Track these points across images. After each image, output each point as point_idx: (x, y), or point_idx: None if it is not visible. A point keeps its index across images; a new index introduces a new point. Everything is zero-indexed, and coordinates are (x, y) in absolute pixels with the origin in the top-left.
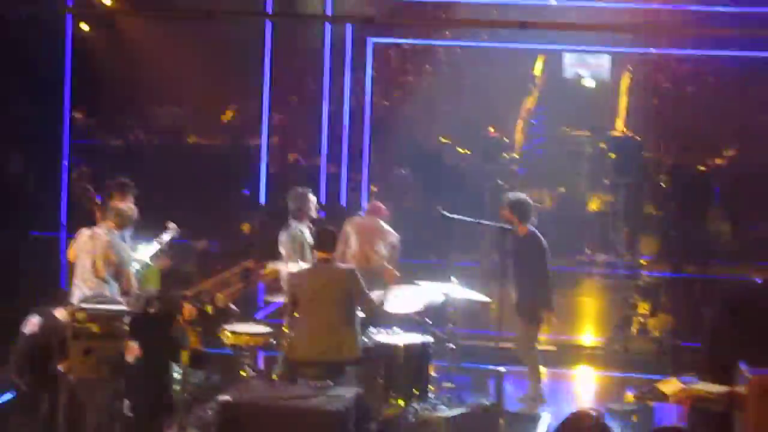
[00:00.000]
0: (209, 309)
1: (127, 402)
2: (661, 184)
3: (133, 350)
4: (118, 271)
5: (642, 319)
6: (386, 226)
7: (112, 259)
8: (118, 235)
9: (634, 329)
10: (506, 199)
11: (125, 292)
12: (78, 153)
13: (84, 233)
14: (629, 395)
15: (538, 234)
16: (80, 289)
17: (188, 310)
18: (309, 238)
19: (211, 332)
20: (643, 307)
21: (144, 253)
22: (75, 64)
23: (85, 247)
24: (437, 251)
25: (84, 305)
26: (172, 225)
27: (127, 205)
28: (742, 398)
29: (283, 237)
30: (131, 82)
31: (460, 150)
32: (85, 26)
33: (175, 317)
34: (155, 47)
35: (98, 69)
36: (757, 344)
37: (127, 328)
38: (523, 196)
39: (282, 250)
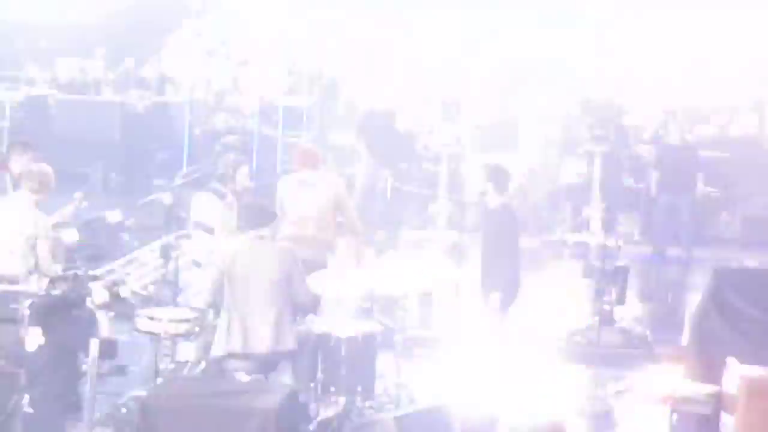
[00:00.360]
0: (123, 291)
1: (27, 396)
2: (642, 153)
3: (35, 338)
4: (34, 246)
5: (607, 307)
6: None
7: (29, 231)
8: (35, 202)
9: (597, 318)
10: (484, 166)
11: (39, 269)
12: None
13: None
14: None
15: (511, 207)
16: None
17: (99, 292)
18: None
19: (125, 317)
20: (609, 293)
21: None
22: None
23: None
24: (386, 226)
25: None
26: (78, 194)
27: (45, 167)
28: (731, 399)
29: (208, 204)
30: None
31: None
32: None
33: (83, 300)
34: None
35: None
36: (748, 339)
37: (27, 312)
38: (501, 164)
39: (206, 219)
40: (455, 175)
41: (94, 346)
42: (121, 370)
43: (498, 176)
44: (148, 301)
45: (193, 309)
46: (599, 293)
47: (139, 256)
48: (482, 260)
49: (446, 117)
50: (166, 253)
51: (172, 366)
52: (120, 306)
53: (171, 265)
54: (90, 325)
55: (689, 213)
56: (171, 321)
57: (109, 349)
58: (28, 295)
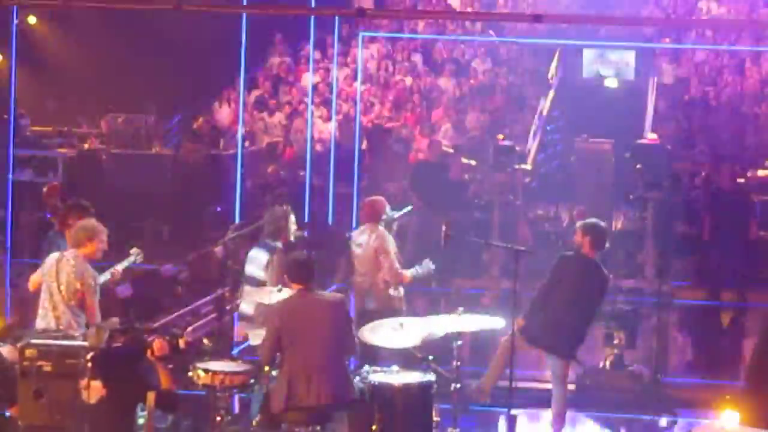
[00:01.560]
0: (182, 343)
1: None
2: (694, 198)
3: (95, 391)
4: (83, 300)
5: (617, 351)
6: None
7: (77, 286)
8: (82, 257)
9: (607, 363)
10: (581, 223)
11: (90, 324)
12: (23, 164)
13: (53, 256)
14: None
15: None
16: (45, 318)
17: (159, 344)
18: None
19: (181, 370)
20: (619, 337)
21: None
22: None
23: (51, 272)
24: (441, 277)
25: (34, 340)
26: (134, 250)
27: (90, 222)
28: None
29: (258, 259)
30: (85, 84)
31: (465, 160)
32: (32, 19)
33: (143, 352)
34: (114, 46)
35: (47, 69)
36: None
37: (88, 365)
38: (598, 222)
39: (265, 274)
40: (507, 223)
41: (151, 398)
42: (177, 423)
43: (596, 233)
44: (203, 353)
45: (247, 362)
46: (609, 337)
47: (193, 309)
48: (559, 311)
49: (497, 165)
50: (220, 305)
51: (227, 419)
52: (179, 358)
53: (225, 318)
54: (149, 377)
55: (742, 257)
56: (226, 374)
57: (168, 401)
58: (89, 349)
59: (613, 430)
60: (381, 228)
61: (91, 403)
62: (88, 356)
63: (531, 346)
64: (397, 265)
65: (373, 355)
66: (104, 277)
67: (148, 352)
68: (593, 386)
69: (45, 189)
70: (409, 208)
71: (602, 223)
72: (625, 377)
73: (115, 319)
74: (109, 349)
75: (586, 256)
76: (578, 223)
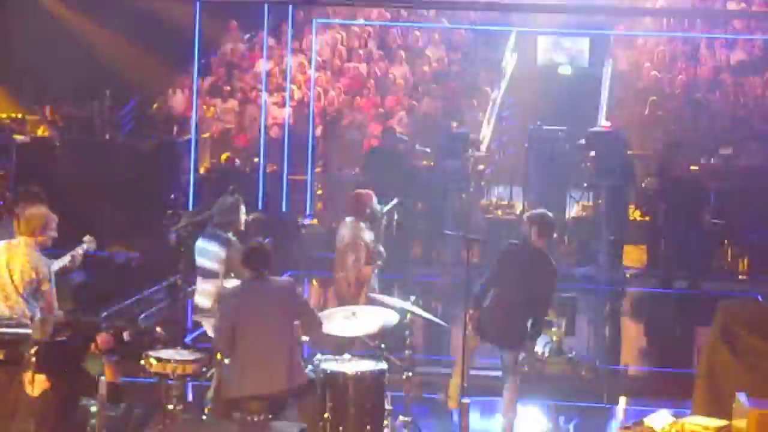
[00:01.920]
0: (126, 336)
1: None
2: (648, 186)
3: (40, 384)
4: (38, 289)
5: (555, 338)
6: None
7: (33, 275)
8: (35, 246)
9: (546, 350)
10: (528, 213)
11: (44, 313)
12: None
13: (1, 244)
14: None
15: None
16: None
17: (103, 337)
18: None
19: (131, 358)
20: (558, 324)
21: (54, 268)
22: None
23: (1, 260)
24: (394, 264)
25: None
26: (87, 237)
27: (41, 210)
28: None
29: (208, 250)
30: (39, 70)
31: (419, 147)
32: None
33: (87, 346)
34: (70, 29)
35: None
36: (758, 373)
37: (32, 359)
38: (546, 212)
39: (217, 264)
40: (461, 211)
41: (102, 386)
42: (129, 412)
43: (542, 223)
44: (155, 341)
45: (200, 349)
46: (549, 324)
47: (146, 296)
48: (507, 302)
49: (451, 152)
50: (173, 293)
51: (180, 407)
52: (124, 350)
53: (178, 305)
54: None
55: (696, 244)
56: (178, 362)
57: (115, 394)
58: (33, 342)
59: (562, 417)
60: (361, 224)
61: (35, 396)
62: (32, 350)
63: (484, 341)
64: (361, 262)
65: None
66: (62, 262)
67: (92, 346)
68: (533, 374)
69: None
70: (396, 201)
71: (549, 213)
72: (566, 364)
73: (60, 312)
74: (53, 343)
75: (533, 245)
76: (525, 214)
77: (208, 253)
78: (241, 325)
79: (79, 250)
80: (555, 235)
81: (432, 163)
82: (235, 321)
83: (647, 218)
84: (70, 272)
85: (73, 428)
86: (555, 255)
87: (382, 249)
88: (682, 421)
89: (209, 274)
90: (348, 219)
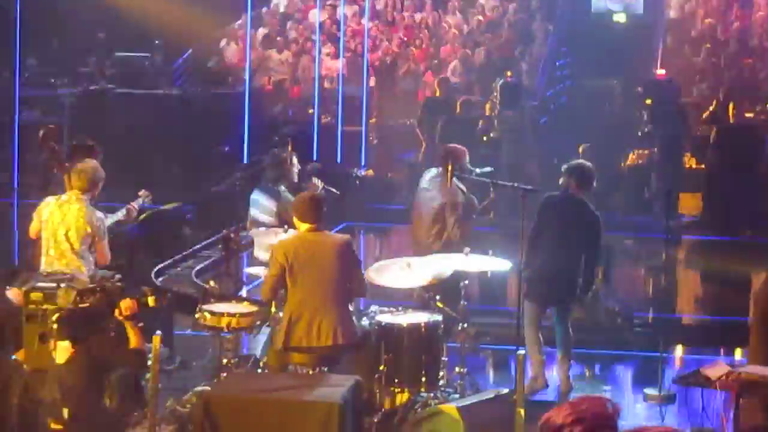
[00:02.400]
0: (151, 302)
1: (66, 410)
2: (702, 134)
3: (64, 351)
4: (93, 243)
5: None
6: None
7: (88, 230)
8: (88, 200)
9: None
10: (566, 164)
11: (100, 268)
12: (30, 105)
13: (50, 202)
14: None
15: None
16: (52, 267)
17: (127, 303)
18: None
19: (191, 311)
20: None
21: (109, 222)
22: (24, 3)
23: (53, 218)
24: None
25: (39, 284)
26: (143, 192)
27: (92, 164)
28: None
29: (262, 201)
30: (90, 23)
31: (473, 98)
32: None
33: (111, 312)
34: None
35: (52, 7)
36: None
37: (55, 326)
38: (583, 162)
39: (269, 217)
40: (516, 161)
41: (156, 340)
42: (184, 366)
43: (581, 173)
44: (209, 295)
45: (254, 303)
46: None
47: (200, 250)
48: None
49: (506, 102)
50: (226, 246)
51: (235, 360)
52: (148, 316)
53: (232, 259)
54: (120, 336)
55: (751, 193)
56: (232, 315)
57: (139, 360)
58: (56, 309)
59: (618, 366)
60: (454, 179)
61: (60, 363)
62: (55, 317)
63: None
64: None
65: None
66: (117, 216)
67: (116, 312)
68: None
69: (41, 133)
70: (489, 169)
71: (587, 163)
72: (602, 313)
73: (85, 277)
74: (76, 309)
75: (572, 196)
76: (564, 165)
77: (260, 205)
78: (291, 276)
79: (135, 204)
80: (594, 185)
81: (486, 113)
82: (284, 270)
83: (702, 166)
84: (125, 226)
85: (99, 394)
86: (607, 203)
87: (475, 201)
88: (738, 370)
89: (263, 227)
90: (433, 174)
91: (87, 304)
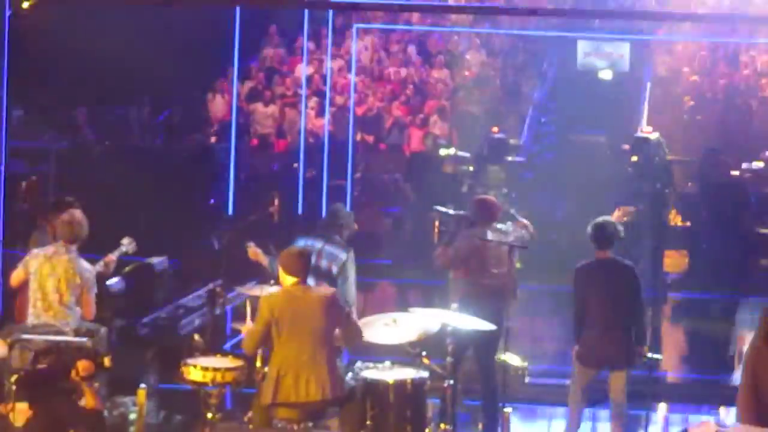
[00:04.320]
0: (107, 362)
1: None
2: (688, 191)
3: (22, 413)
4: (81, 294)
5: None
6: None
7: (78, 281)
8: (76, 252)
9: None
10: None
11: (85, 319)
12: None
13: (38, 254)
14: None
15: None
16: (39, 319)
17: (84, 364)
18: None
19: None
20: None
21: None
22: (11, 52)
23: (42, 270)
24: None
25: (26, 336)
26: (126, 239)
27: (77, 214)
28: None
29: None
30: (78, 75)
31: (460, 153)
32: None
33: (68, 372)
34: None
35: (40, 59)
36: None
37: (12, 387)
38: (600, 220)
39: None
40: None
41: (141, 394)
42: (168, 420)
43: (596, 234)
44: (194, 349)
45: (239, 357)
46: None
47: (185, 304)
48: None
49: (491, 157)
50: (212, 300)
51: (219, 415)
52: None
53: (217, 312)
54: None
55: (737, 250)
56: (218, 370)
57: (96, 421)
58: (11, 371)
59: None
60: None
61: (18, 426)
62: (13, 378)
63: (597, 370)
64: None
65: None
66: (96, 267)
67: (73, 372)
68: None
69: (24, 184)
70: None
71: (598, 220)
72: None
73: (40, 339)
74: (33, 370)
75: (601, 258)
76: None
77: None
78: (277, 331)
79: (113, 256)
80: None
81: (471, 168)
82: (270, 325)
83: (688, 224)
84: (106, 277)
85: None
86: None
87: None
88: (727, 430)
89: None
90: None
91: (44, 365)
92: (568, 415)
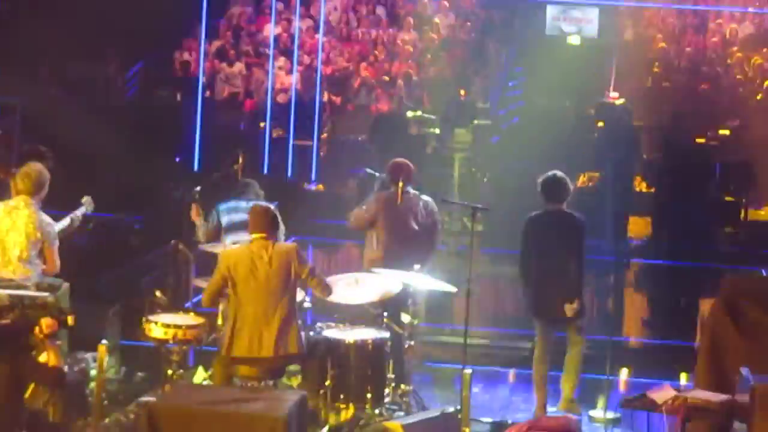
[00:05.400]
0: (71, 320)
1: None
2: (653, 158)
3: None
4: (42, 249)
5: None
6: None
7: (38, 236)
8: (37, 206)
9: None
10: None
11: (48, 274)
12: None
13: None
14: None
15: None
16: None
17: (47, 322)
18: None
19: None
20: None
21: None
22: None
23: (1, 225)
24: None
25: None
26: (86, 199)
27: (36, 166)
28: (744, 409)
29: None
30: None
31: (426, 115)
32: None
33: (31, 329)
34: None
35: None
36: (762, 348)
37: None
38: (553, 174)
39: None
40: (466, 179)
41: (102, 349)
42: (129, 376)
43: (547, 186)
44: (156, 306)
45: (201, 314)
46: None
47: (148, 260)
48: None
49: (458, 120)
50: (174, 257)
51: (180, 372)
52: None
53: (180, 269)
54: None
55: (701, 217)
56: (179, 327)
57: (56, 379)
58: None
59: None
60: None
61: None
62: None
63: (548, 320)
64: None
65: None
66: (61, 224)
67: (36, 330)
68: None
69: None
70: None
71: (552, 174)
72: None
73: (3, 294)
74: None
75: (551, 210)
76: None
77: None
78: (234, 286)
79: (78, 213)
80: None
81: (438, 131)
82: (227, 280)
83: (652, 190)
84: (70, 235)
85: (20, 413)
86: None
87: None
88: (685, 395)
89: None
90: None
91: (6, 321)
92: (533, 380)
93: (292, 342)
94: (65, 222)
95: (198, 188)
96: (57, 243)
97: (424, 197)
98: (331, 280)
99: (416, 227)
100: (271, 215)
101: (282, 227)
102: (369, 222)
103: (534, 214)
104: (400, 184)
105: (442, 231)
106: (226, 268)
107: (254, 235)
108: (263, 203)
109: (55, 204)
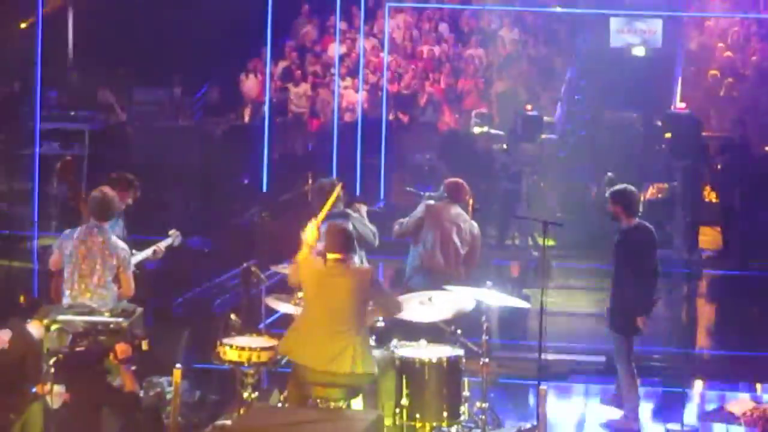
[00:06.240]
0: (145, 345)
1: None
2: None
3: (58, 395)
4: (117, 274)
5: None
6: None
7: (113, 262)
8: (109, 231)
9: None
10: (609, 192)
11: (123, 298)
12: (49, 137)
13: (70, 234)
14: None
15: (648, 225)
16: (76, 300)
17: (121, 347)
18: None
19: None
20: None
21: (136, 259)
22: (46, 34)
23: (77, 251)
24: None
25: (60, 317)
26: (174, 232)
27: (103, 189)
28: None
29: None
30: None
31: (494, 131)
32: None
33: (106, 355)
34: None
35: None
36: None
37: (51, 370)
38: (628, 187)
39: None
40: (535, 194)
41: (177, 374)
42: (203, 400)
43: (625, 199)
44: (230, 329)
45: (274, 336)
46: None
47: (220, 283)
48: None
49: (524, 136)
50: (246, 279)
51: (255, 395)
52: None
53: (252, 291)
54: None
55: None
56: (253, 349)
57: (133, 403)
58: (50, 352)
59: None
60: None
61: (54, 408)
62: (51, 361)
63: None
64: None
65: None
66: (144, 254)
67: (111, 356)
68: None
69: (58, 165)
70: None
71: (630, 187)
72: None
73: (79, 320)
74: (71, 353)
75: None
76: (607, 192)
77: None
78: (309, 305)
79: (162, 245)
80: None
81: (506, 146)
82: (304, 300)
83: (722, 200)
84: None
85: None
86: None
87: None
88: (764, 405)
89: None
90: (458, 208)
91: (82, 348)
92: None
93: (364, 362)
94: (148, 252)
95: (266, 212)
96: (132, 268)
97: (472, 222)
98: (404, 297)
99: (458, 242)
100: (347, 235)
101: (373, 228)
102: (414, 227)
103: (627, 228)
104: (470, 201)
105: (480, 255)
106: (301, 273)
107: (330, 256)
108: (339, 222)
109: (128, 231)
